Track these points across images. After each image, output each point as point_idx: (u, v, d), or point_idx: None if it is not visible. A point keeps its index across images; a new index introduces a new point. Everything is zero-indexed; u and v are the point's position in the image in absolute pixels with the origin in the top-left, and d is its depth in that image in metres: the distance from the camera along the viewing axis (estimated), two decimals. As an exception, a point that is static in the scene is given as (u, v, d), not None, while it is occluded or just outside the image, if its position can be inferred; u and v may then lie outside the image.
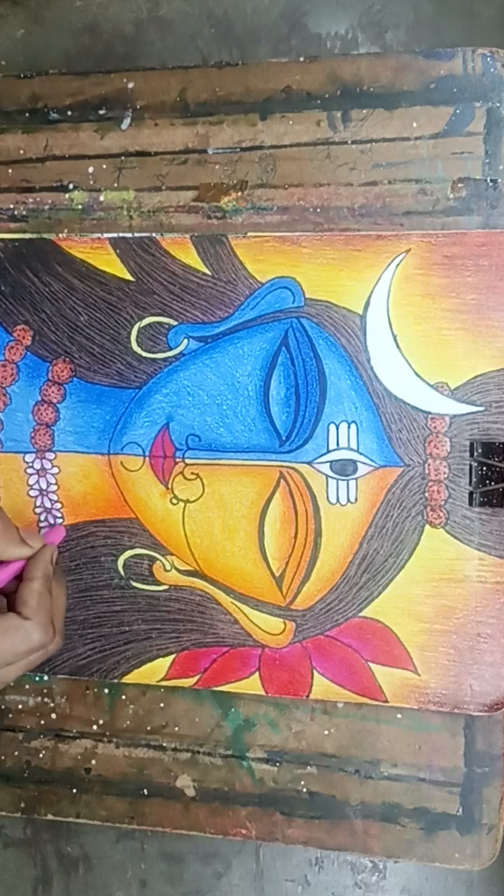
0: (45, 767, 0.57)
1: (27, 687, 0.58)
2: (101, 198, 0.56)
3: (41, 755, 0.57)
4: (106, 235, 0.54)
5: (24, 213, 0.57)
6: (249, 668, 0.53)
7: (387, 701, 0.52)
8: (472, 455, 0.51)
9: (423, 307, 0.51)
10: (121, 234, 0.54)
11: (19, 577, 0.48)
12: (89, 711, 0.57)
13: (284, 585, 0.53)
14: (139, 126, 0.55)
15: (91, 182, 0.56)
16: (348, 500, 0.52)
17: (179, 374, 0.54)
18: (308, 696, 0.53)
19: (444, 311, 0.51)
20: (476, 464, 0.51)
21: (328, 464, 0.52)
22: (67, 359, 0.55)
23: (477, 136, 0.52)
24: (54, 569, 0.48)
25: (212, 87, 0.54)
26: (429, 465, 0.51)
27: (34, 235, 0.55)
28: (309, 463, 0.52)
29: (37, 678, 0.57)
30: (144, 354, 0.54)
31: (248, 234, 0.53)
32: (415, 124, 0.52)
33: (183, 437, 0.54)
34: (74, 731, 0.57)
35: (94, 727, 0.57)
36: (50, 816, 0.57)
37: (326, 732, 0.54)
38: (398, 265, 0.51)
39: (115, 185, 0.56)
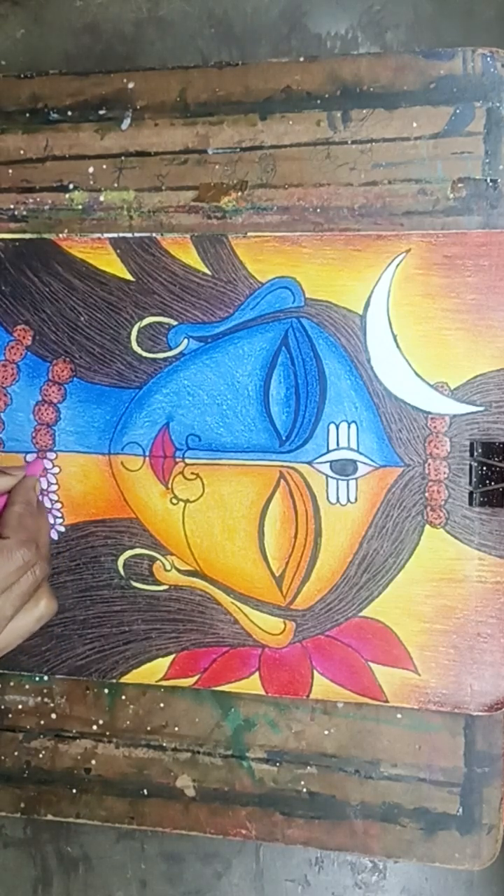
0: (45, 767, 0.57)
1: (27, 687, 0.58)
2: (101, 198, 0.56)
3: (41, 755, 0.57)
4: (106, 235, 0.54)
5: (25, 213, 0.57)
6: (249, 668, 0.53)
7: (387, 701, 0.52)
8: (472, 455, 0.51)
9: (423, 307, 0.51)
10: (121, 234, 0.54)
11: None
12: (89, 711, 0.57)
13: (284, 585, 0.53)
14: (139, 126, 0.55)
15: (91, 182, 0.56)
16: (348, 500, 0.52)
17: (179, 374, 0.54)
18: (308, 696, 0.53)
19: (444, 311, 0.51)
20: (476, 464, 0.51)
21: (328, 464, 0.52)
22: (68, 359, 0.55)
23: (477, 136, 0.52)
24: (37, 504, 0.50)
25: (212, 87, 0.54)
26: (429, 464, 0.51)
27: (34, 235, 0.55)
28: (309, 463, 0.52)
29: (37, 678, 0.57)
30: (144, 354, 0.54)
31: (248, 234, 0.53)
32: (415, 124, 0.52)
33: (183, 437, 0.54)
34: (74, 731, 0.57)
35: (94, 727, 0.57)
36: (50, 817, 0.57)
37: (326, 732, 0.54)
38: (398, 265, 0.51)
39: (115, 185, 0.56)
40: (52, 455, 0.55)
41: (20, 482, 0.50)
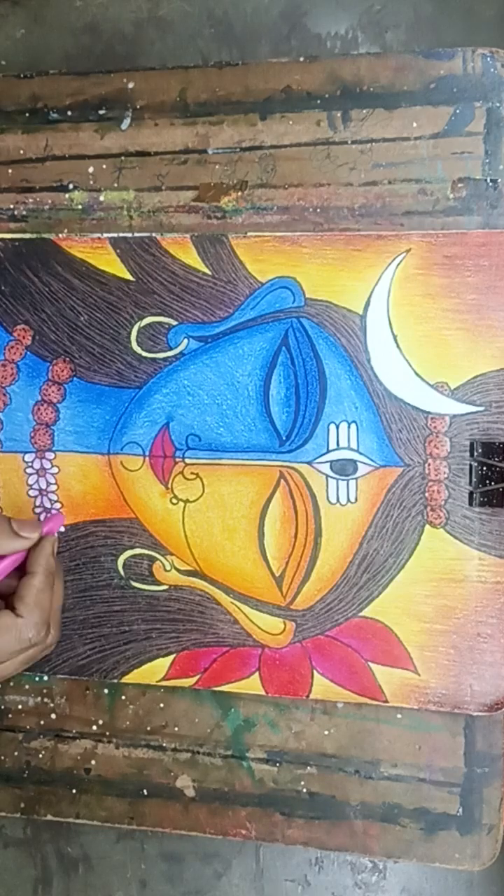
0: (44, 768, 0.57)
1: (27, 687, 0.58)
2: (101, 198, 0.56)
3: (41, 755, 0.57)
4: (106, 235, 0.54)
5: (24, 213, 0.57)
6: (249, 668, 0.53)
7: (387, 701, 0.52)
8: (472, 455, 0.51)
9: (424, 307, 0.51)
10: (121, 234, 0.54)
11: (20, 569, 0.47)
12: (89, 711, 0.57)
13: (284, 585, 0.53)
14: (139, 126, 0.55)
15: (91, 182, 0.56)
16: (348, 500, 0.52)
17: (179, 373, 0.54)
18: (308, 696, 0.53)
19: (444, 311, 0.51)
20: (476, 464, 0.51)
21: (328, 463, 0.52)
22: (67, 358, 0.55)
23: (477, 136, 0.52)
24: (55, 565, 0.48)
25: (212, 87, 0.54)
26: (429, 464, 0.51)
27: (34, 235, 0.55)
28: (309, 463, 0.52)
29: (37, 678, 0.57)
30: (144, 354, 0.54)
31: (248, 234, 0.53)
32: (415, 124, 0.52)
33: (183, 437, 0.54)
34: (74, 731, 0.57)
35: (94, 727, 0.57)
36: (50, 817, 0.57)
37: (326, 732, 0.54)
38: (398, 265, 0.51)
39: (115, 185, 0.56)
40: (50, 455, 0.55)
41: (39, 546, 0.46)
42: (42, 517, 0.55)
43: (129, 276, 0.54)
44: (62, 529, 0.55)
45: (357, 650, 0.52)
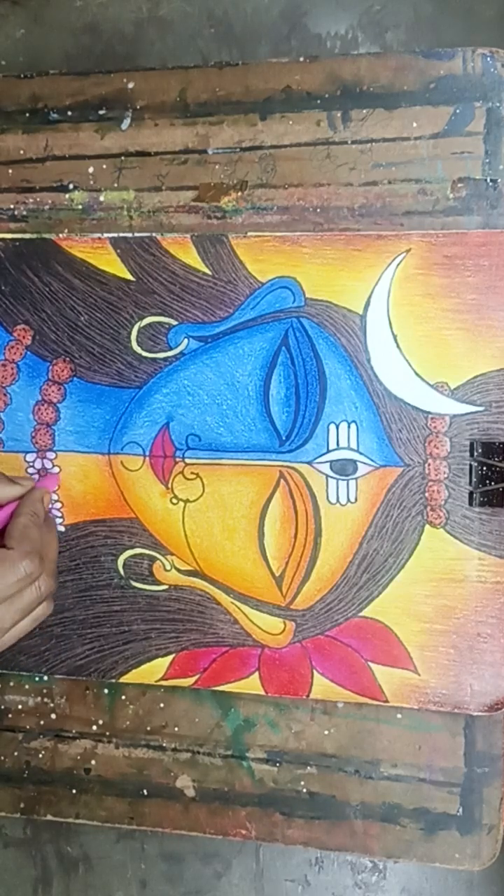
0: (44, 768, 0.57)
1: (27, 687, 0.58)
2: (101, 198, 0.56)
3: (41, 755, 0.57)
4: (106, 235, 0.54)
5: (25, 213, 0.57)
6: (249, 668, 0.53)
7: (387, 701, 0.52)
8: (472, 455, 0.51)
9: (424, 307, 0.51)
10: (121, 234, 0.54)
11: None
12: (89, 711, 0.57)
13: (284, 585, 0.53)
14: (139, 126, 0.55)
15: (91, 182, 0.56)
16: (348, 500, 0.52)
17: (179, 373, 0.54)
18: (308, 696, 0.53)
19: (444, 311, 0.51)
20: (476, 464, 0.51)
21: (328, 463, 0.52)
22: (68, 358, 0.55)
23: (477, 136, 0.52)
24: (45, 518, 0.49)
25: (212, 87, 0.54)
26: (429, 464, 0.51)
27: (34, 235, 0.55)
28: (309, 463, 0.52)
29: (36, 678, 0.57)
30: (144, 354, 0.54)
31: (248, 233, 0.53)
32: (415, 124, 0.52)
33: (183, 437, 0.54)
34: (74, 731, 0.57)
35: (94, 727, 0.57)
36: (50, 817, 0.57)
37: (326, 732, 0.54)
38: (398, 265, 0.51)
39: (115, 185, 0.56)
40: (51, 455, 0.55)
41: (29, 493, 0.49)
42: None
43: (129, 276, 0.54)
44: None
45: (357, 650, 0.52)
